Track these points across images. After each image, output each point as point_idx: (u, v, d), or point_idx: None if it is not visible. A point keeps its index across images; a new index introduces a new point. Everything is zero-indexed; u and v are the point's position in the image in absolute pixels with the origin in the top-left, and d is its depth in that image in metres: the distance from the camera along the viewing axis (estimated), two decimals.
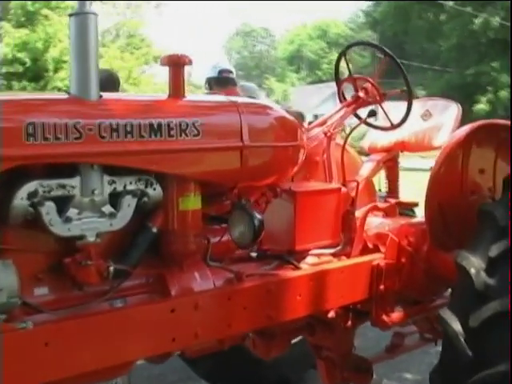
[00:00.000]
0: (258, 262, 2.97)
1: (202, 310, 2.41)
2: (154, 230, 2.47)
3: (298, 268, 2.93)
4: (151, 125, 2.31)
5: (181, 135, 2.40)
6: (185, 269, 2.57)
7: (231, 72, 5.13)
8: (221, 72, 5.08)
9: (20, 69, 17.64)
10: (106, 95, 2.34)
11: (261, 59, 75.47)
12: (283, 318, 2.77)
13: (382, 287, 3.12)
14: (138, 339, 2.27)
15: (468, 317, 2.49)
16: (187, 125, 2.41)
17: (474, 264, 2.57)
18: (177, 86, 2.53)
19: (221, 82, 5.02)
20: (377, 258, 3.17)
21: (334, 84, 3.90)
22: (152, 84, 21.36)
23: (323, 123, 3.56)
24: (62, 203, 2.18)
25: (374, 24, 41.98)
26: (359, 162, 3.98)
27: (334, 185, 3.25)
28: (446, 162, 3.09)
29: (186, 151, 2.44)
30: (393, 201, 3.62)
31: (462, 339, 2.48)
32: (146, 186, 2.38)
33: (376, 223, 3.48)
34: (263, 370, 4.09)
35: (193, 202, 2.54)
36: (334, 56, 3.57)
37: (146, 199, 2.39)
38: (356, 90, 3.65)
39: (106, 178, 2.27)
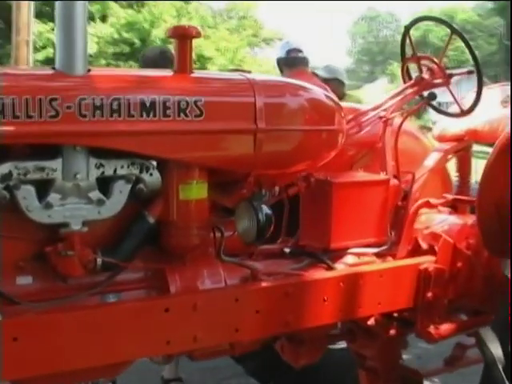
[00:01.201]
0: (289, 260, 2.69)
1: (202, 310, 2.17)
2: (151, 220, 2.22)
3: (331, 268, 2.62)
4: (142, 102, 2.04)
5: (179, 115, 2.11)
6: (188, 264, 2.32)
7: (301, 51, 4.72)
8: (289, 52, 4.70)
9: (127, 49, 17.90)
10: (96, 70, 2.12)
11: (386, 45, 73.87)
12: (303, 325, 2.47)
13: (429, 295, 2.73)
14: (125, 339, 2.06)
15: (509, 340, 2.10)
16: (187, 103, 2.12)
17: None
18: (183, 60, 2.23)
19: (289, 62, 4.65)
20: (426, 262, 2.78)
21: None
22: (257, 65, 21.19)
23: (380, 106, 3.18)
24: (43, 187, 2.00)
25: (501, 10, 39.76)
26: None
27: (382, 176, 2.88)
28: (505, 154, 2.65)
29: (185, 133, 2.15)
30: (450, 196, 3.18)
31: (501, 367, 2.09)
32: (142, 171, 2.14)
33: (437, 221, 3.08)
34: (312, 372, 3.79)
35: (196, 191, 2.26)
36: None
37: (141, 186, 2.15)
38: (420, 71, 3.25)
39: (93, 160, 2.05)
